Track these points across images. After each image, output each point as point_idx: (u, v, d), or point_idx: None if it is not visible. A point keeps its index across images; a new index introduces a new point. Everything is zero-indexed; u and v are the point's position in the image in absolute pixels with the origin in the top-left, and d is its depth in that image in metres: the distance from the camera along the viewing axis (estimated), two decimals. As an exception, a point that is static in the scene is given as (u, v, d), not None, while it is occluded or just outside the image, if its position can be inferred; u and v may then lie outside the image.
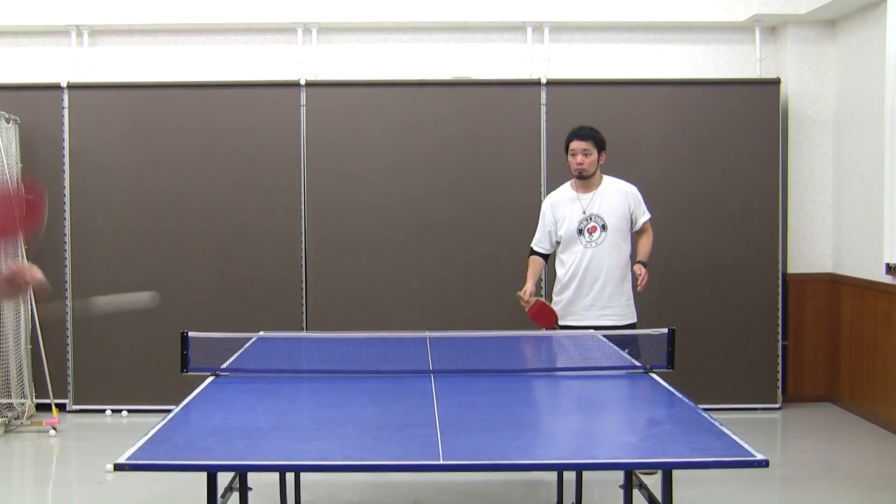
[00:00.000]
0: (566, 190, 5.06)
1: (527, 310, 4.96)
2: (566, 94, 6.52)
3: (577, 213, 4.95)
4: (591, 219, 4.93)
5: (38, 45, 6.81)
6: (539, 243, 5.10)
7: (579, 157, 4.91)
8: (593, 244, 4.93)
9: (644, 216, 5.06)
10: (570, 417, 3.34)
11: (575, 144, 4.94)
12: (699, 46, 6.84)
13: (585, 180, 4.96)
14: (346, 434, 2.84)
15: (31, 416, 6.21)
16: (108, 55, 6.81)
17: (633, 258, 5.07)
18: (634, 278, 4.97)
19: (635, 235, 5.08)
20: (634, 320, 5.05)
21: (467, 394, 3.41)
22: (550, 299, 5.17)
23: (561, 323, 4.99)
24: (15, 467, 5.63)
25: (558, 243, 5.05)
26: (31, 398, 6.33)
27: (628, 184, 5.06)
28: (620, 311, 5.00)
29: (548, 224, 5.04)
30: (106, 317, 6.52)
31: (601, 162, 4.97)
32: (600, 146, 4.94)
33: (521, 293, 4.96)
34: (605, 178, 5.03)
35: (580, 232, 4.94)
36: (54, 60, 6.77)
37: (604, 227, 4.93)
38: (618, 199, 4.97)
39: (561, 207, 5.00)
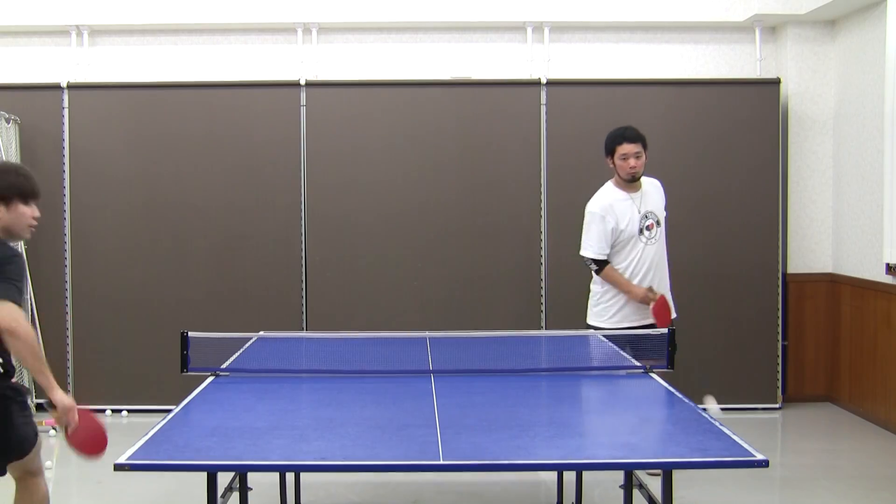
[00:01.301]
0: (615, 192, 4.94)
1: (651, 305, 4.84)
2: (566, 95, 6.52)
3: (635, 212, 4.89)
4: (647, 216, 4.92)
5: (38, 45, 6.81)
6: (602, 251, 4.89)
7: (632, 161, 4.82)
8: (653, 240, 4.91)
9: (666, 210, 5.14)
10: (570, 417, 3.34)
11: (627, 148, 4.83)
12: (699, 46, 6.84)
13: (635, 182, 4.92)
14: (347, 434, 2.84)
15: (31, 416, 6.21)
16: (108, 55, 6.81)
17: None
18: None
19: None
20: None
21: (467, 394, 3.42)
22: (586, 309, 5.10)
23: (630, 324, 4.88)
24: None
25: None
26: (32, 397, 6.32)
27: (654, 178, 5.10)
28: (672, 302, 5.01)
29: (608, 229, 4.86)
30: (106, 317, 6.54)
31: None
32: (646, 145, 4.92)
33: (648, 292, 4.84)
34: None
35: (641, 231, 4.90)
36: (54, 60, 6.77)
37: (658, 223, 4.96)
38: (658, 194, 5.04)
39: (619, 210, 4.89)
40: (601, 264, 4.89)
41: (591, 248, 4.90)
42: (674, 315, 4.95)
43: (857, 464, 5.38)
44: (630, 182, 4.90)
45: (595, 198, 4.97)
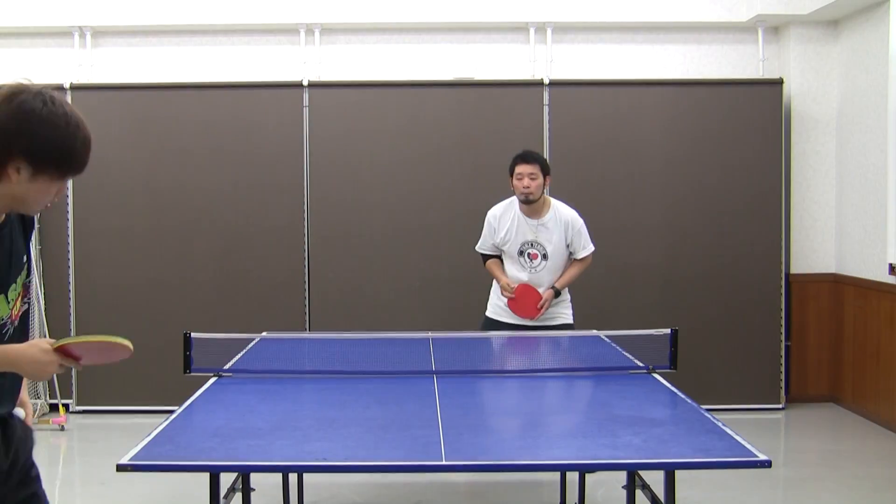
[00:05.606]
0: (515, 207, 4.93)
1: (507, 298, 4.90)
2: (569, 95, 6.52)
3: (523, 234, 4.88)
4: (533, 245, 4.89)
5: (41, 47, 6.81)
6: (487, 248, 5.07)
7: (525, 181, 4.79)
8: (533, 270, 4.89)
9: (584, 250, 4.93)
10: (573, 417, 3.34)
11: (521, 168, 4.82)
12: (702, 47, 6.83)
13: (532, 205, 4.85)
14: (349, 434, 2.85)
15: (42, 416, 6.24)
16: (110, 56, 6.82)
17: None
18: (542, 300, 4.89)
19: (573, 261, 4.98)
20: (569, 321, 4.98)
21: (470, 394, 3.42)
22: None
23: (498, 319, 4.98)
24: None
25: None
26: (46, 397, 6.39)
27: (573, 213, 4.93)
28: (550, 315, 4.92)
29: (492, 234, 4.99)
30: (109, 317, 6.54)
31: (546, 186, 4.88)
32: (546, 170, 4.85)
33: (504, 286, 4.89)
34: (553, 203, 4.93)
35: (521, 253, 4.92)
36: (57, 61, 6.78)
37: (545, 257, 4.89)
38: (559, 232, 4.87)
39: (506, 223, 4.92)
40: (485, 258, 5.11)
41: (480, 243, 5.14)
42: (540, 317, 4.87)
43: (860, 464, 5.37)
44: (525, 203, 4.85)
45: (497, 204, 5.06)
